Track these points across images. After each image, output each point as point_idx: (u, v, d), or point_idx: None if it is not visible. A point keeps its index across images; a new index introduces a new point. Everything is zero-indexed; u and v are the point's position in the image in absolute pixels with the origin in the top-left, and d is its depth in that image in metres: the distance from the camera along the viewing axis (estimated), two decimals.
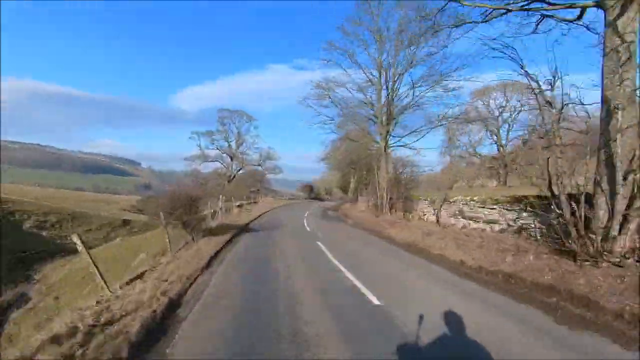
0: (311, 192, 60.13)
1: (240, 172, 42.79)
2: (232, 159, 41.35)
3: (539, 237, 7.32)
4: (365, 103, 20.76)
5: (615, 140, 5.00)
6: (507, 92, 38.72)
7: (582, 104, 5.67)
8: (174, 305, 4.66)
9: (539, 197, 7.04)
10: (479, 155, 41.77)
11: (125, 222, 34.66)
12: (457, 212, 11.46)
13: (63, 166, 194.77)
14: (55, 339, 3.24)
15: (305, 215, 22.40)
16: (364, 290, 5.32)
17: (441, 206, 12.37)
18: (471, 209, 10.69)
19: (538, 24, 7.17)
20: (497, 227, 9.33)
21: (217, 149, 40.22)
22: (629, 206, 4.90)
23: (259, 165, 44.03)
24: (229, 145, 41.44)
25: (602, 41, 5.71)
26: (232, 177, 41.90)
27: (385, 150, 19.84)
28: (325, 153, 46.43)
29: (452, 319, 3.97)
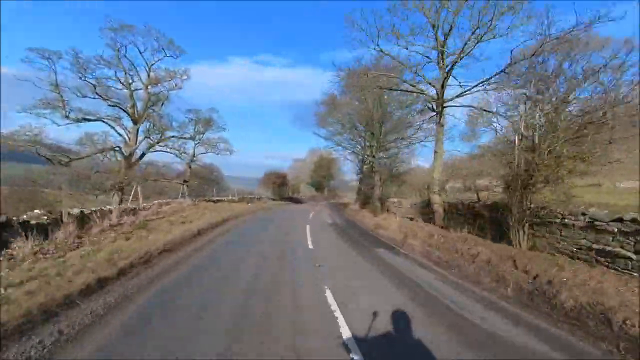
0: (283, 188, 40.07)
1: (151, 150, 23.61)
2: (135, 122, 22.14)
3: None
4: None
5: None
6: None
7: None
8: None
9: None
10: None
11: None
12: None
13: None
14: None
15: None
16: None
17: None
18: None
19: None
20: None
21: (102, 97, 20.77)
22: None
23: (191, 138, 25.28)
24: (131, 96, 22.23)
25: None
26: (137, 156, 22.74)
27: None
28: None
29: None
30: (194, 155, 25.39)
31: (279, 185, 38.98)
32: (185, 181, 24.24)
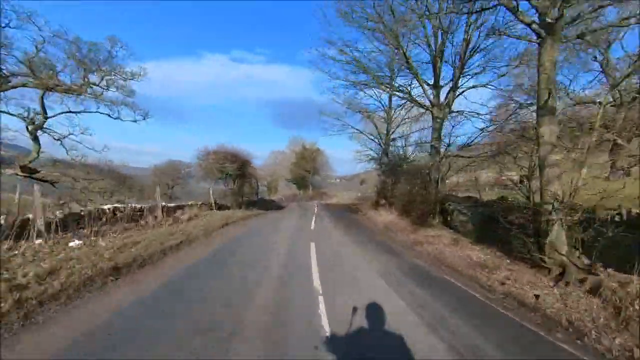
0: (247, 182, 22.00)
1: None
2: None
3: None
4: None
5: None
6: None
7: None
8: None
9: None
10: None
11: None
12: None
13: None
14: None
15: None
16: None
17: None
18: None
19: None
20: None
21: None
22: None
23: (46, 88, 12.74)
24: None
25: None
26: None
27: None
28: None
29: None
30: (45, 115, 12.56)
31: (237, 179, 20.87)
32: (32, 171, 11.70)
